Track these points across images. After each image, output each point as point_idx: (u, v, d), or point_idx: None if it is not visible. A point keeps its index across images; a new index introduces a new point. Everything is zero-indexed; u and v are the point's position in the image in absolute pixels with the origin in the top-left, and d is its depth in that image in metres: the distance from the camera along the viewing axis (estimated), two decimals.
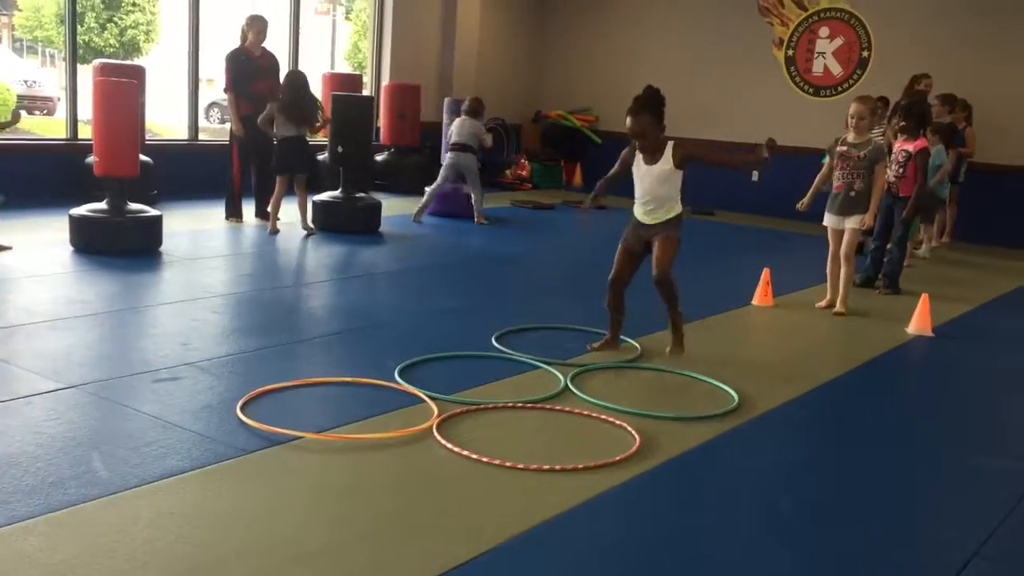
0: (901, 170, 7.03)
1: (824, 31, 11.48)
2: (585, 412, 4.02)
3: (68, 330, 4.77)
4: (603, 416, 3.98)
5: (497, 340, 4.96)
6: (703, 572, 2.82)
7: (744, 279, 6.79)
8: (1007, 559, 3.07)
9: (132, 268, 6.25)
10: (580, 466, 3.40)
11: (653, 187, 4.67)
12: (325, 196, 8.37)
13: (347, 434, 3.58)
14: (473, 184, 9.19)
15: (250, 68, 8.19)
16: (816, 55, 11.55)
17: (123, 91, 6.73)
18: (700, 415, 4.10)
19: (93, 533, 2.71)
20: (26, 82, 14.45)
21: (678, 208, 4.74)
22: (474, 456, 3.41)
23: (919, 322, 5.96)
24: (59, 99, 10.95)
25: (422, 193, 9.75)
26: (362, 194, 8.49)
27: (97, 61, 8.92)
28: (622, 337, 5.15)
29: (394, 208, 9.46)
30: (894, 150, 7.17)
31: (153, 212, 6.92)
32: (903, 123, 7.13)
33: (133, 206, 6.81)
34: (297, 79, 8.03)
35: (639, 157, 4.69)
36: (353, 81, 10.59)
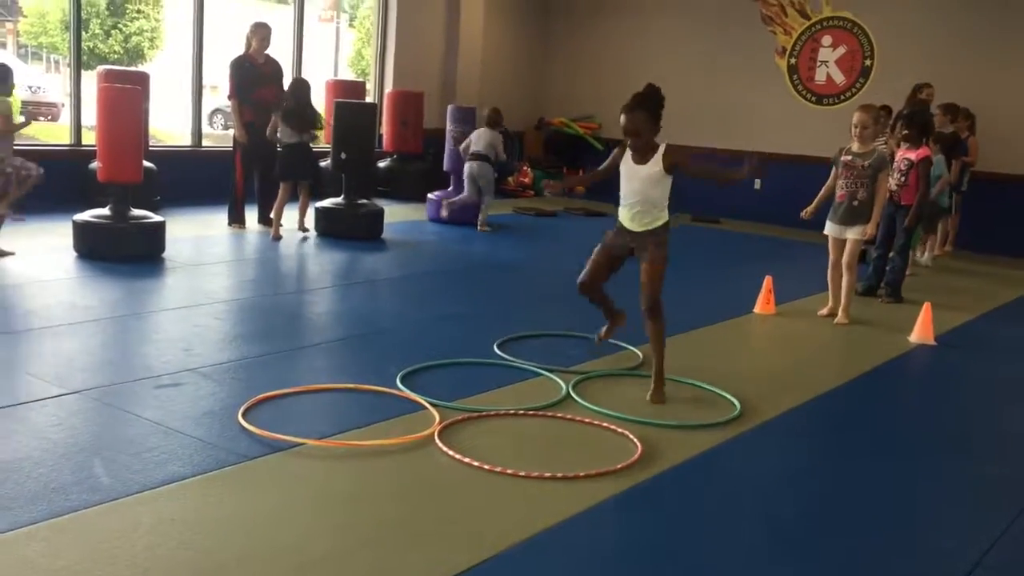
0: (903, 179, 7.03)
1: (827, 40, 11.49)
2: (587, 420, 4.02)
3: (71, 336, 4.78)
4: (605, 424, 3.98)
5: (499, 347, 4.97)
6: None
7: (746, 287, 6.79)
8: (1009, 569, 3.07)
9: (135, 274, 6.26)
10: (582, 474, 3.40)
11: (640, 189, 4.37)
12: (328, 203, 8.38)
13: (349, 441, 3.58)
14: (487, 192, 9.32)
15: (254, 75, 8.22)
16: (819, 64, 11.56)
17: (127, 97, 6.75)
18: (702, 423, 4.10)
19: (95, 539, 2.71)
20: (30, 88, 14.48)
21: (664, 217, 4.41)
22: (476, 463, 3.41)
23: (921, 331, 5.96)
24: (63, 105, 10.97)
25: (424, 200, 9.81)
26: (365, 201, 8.51)
27: (101, 67, 8.93)
28: (622, 344, 5.15)
29: (397, 215, 9.47)
30: (896, 159, 7.18)
31: (156, 218, 6.94)
32: (905, 132, 7.15)
33: (136, 212, 6.82)
34: (300, 87, 8.10)
35: (629, 156, 4.42)
36: (356, 88, 10.60)
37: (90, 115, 7.83)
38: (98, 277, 6.14)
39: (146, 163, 7.34)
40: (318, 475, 3.30)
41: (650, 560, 2.90)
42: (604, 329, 4.89)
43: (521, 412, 4.06)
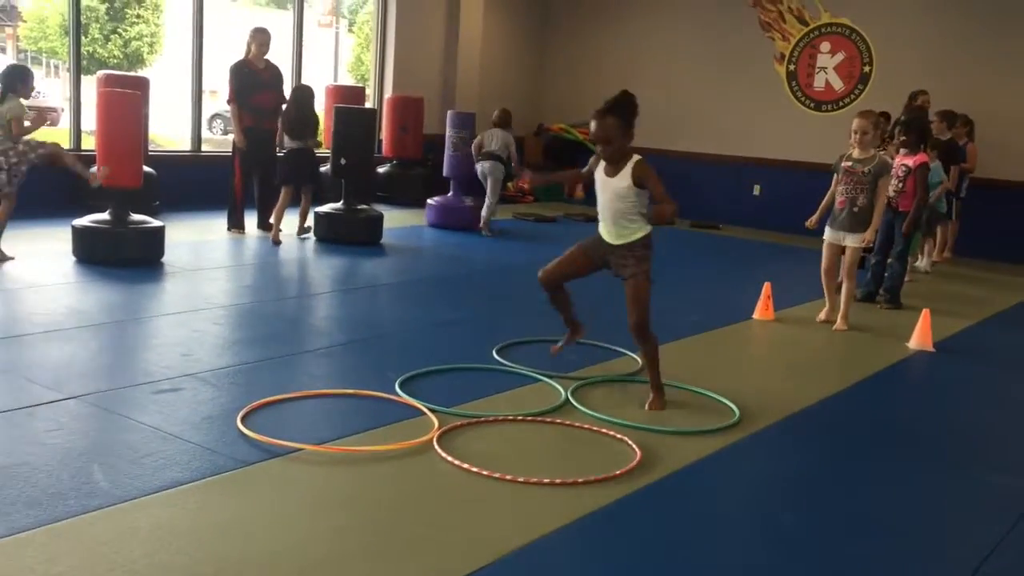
0: (900, 185, 7.04)
1: (825, 46, 11.51)
2: (586, 426, 4.02)
3: (69, 340, 4.78)
4: (604, 430, 3.97)
5: (498, 353, 4.97)
6: None
7: (745, 293, 6.79)
8: (1008, 575, 3.07)
9: (134, 279, 6.25)
10: (580, 480, 3.40)
11: (611, 202, 4.21)
12: (327, 208, 8.39)
13: (348, 446, 3.58)
14: (493, 192, 9.37)
15: (253, 80, 8.23)
16: (817, 70, 11.58)
17: (127, 102, 6.76)
18: (701, 429, 4.09)
19: (93, 545, 2.70)
20: None
21: (643, 231, 4.20)
22: (474, 469, 3.40)
23: (920, 337, 5.96)
24: (63, 110, 10.97)
25: (424, 205, 9.83)
26: (364, 206, 8.52)
27: (101, 72, 8.94)
28: (621, 350, 5.14)
29: (396, 220, 9.48)
30: (894, 165, 7.19)
31: (155, 223, 6.94)
32: (903, 138, 7.17)
33: (135, 217, 6.82)
34: (301, 94, 8.16)
35: (602, 167, 4.26)
36: (356, 93, 10.61)
37: (90, 120, 7.83)
38: (97, 282, 6.14)
39: (145, 168, 7.35)
40: (317, 481, 3.30)
41: (650, 566, 2.89)
42: (562, 340, 4.68)
43: (520, 418, 4.05)
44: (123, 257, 6.57)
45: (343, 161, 8.31)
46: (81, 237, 6.63)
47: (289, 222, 8.25)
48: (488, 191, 9.39)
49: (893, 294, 7.14)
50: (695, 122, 12.20)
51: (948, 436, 4.45)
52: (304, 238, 8.31)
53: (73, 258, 6.63)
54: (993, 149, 9.89)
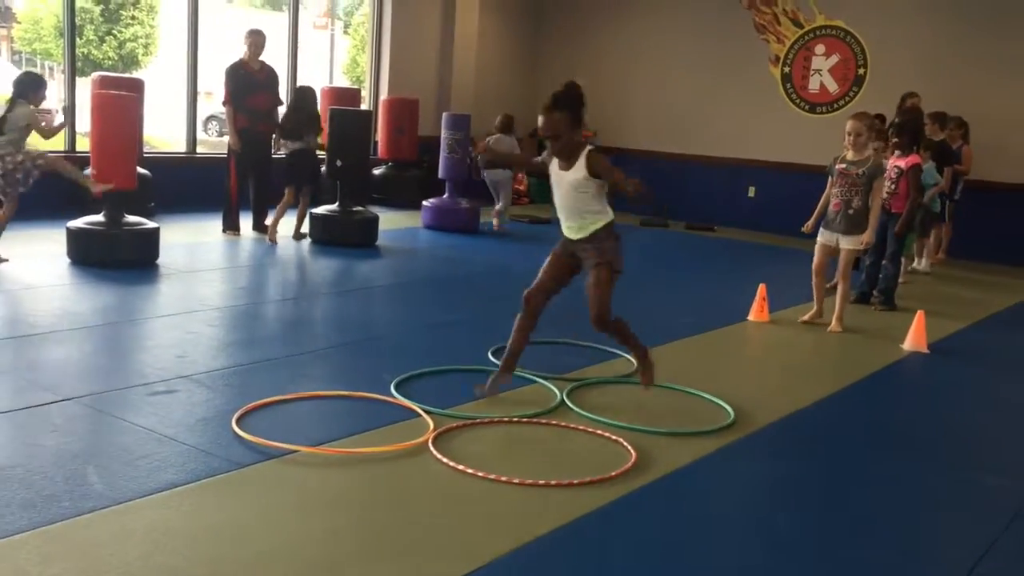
0: (893, 186, 7.06)
1: (820, 48, 11.53)
2: (581, 427, 4.02)
3: (64, 342, 4.77)
4: (599, 431, 3.98)
5: (493, 354, 4.96)
6: None
7: (740, 294, 6.80)
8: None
9: (129, 280, 6.24)
10: (576, 481, 3.40)
11: (568, 196, 4.12)
12: (323, 210, 8.38)
13: (343, 448, 3.58)
14: (505, 196, 9.90)
15: (248, 82, 8.23)
16: (812, 72, 11.60)
17: (122, 104, 6.75)
18: (696, 430, 4.10)
19: (87, 547, 2.70)
20: None
21: (604, 219, 4.12)
22: (469, 471, 3.41)
23: (914, 339, 5.97)
24: (58, 111, 10.95)
25: (419, 207, 9.89)
26: (360, 208, 8.52)
27: (96, 74, 8.93)
28: (617, 351, 5.14)
29: (391, 222, 9.48)
30: (888, 166, 7.21)
31: (150, 225, 6.93)
32: (896, 139, 7.19)
33: (130, 218, 6.82)
34: (304, 94, 8.30)
35: (556, 163, 4.15)
36: (351, 95, 10.61)
37: (84, 121, 7.82)
38: (92, 283, 6.13)
39: (140, 170, 7.34)
40: (312, 482, 3.30)
41: (646, 567, 2.89)
42: (487, 382, 4.32)
43: (515, 419, 4.06)
44: (118, 259, 6.56)
45: (339, 163, 8.32)
46: (76, 239, 6.62)
47: (286, 223, 8.28)
48: (500, 197, 9.85)
49: (887, 295, 7.16)
50: (690, 124, 12.21)
51: (942, 437, 4.46)
52: (301, 238, 8.32)
53: (68, 260, 6.62)
54: (987, 151, 9.91)
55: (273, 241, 7.98)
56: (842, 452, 4.11)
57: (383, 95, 11.73)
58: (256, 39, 8.34)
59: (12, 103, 6.49)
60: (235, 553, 2.75)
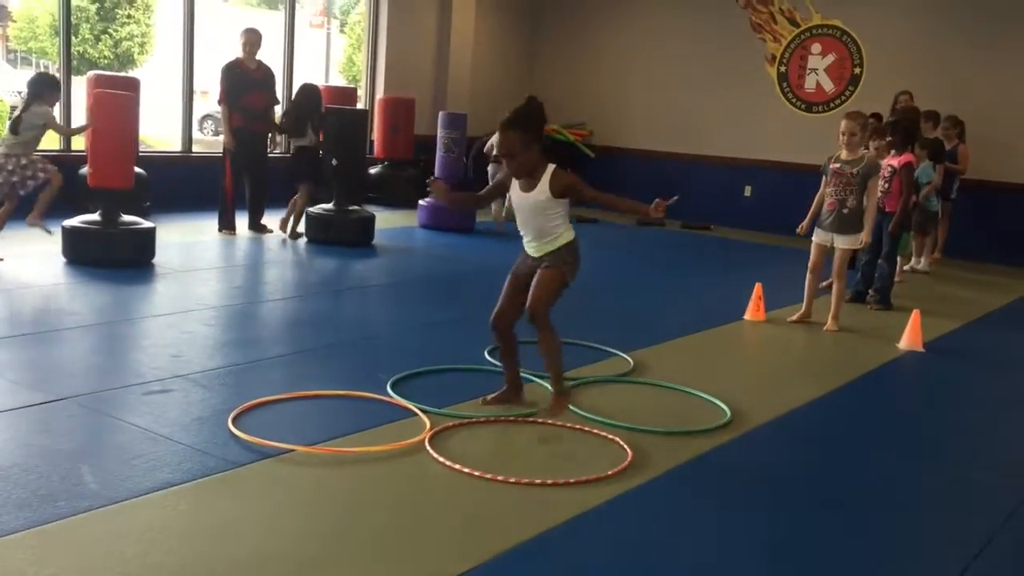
0: (887, 185, 7.07)
1: (816, 47, 11.55)
2: (577, 426, 4.02)
3: (59, 342, 4.76)
4: (595, 430, 3.98)
5: (489, 354, 4.96)
6: None
7: (736, 293, 6.81)
8: (996, 574, 3.08)
9: (125, 280, 6.23)
10: (572, 480, 3.40)
11: (530, 218, 3.96)
12: (319, 208, 8.38)
13: (339, 447, 3.57)
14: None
15: (244, 80, 8.22)
16: (808, 71, 11.61)
17: (117, 103, 6.74)
18: (693, 429, 4.10)
19: (83, 547, 2.70)
20: (20, 93, 14.44)
21: (566, 237, 3.98)
22: (466, 470, 3.41)
23: (910, 338, 5.98)
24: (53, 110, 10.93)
25: (415, 206, 9.87)
26: (355, 207, 8.51)
27: (91, 73, 8.91)
28: (613, 351, 5.15)
29: (387, 221, 9.48)
30: (882, 165, 7.21)
31: (146, 224, 6.92)
32: (889, 138, 7.20)
33: (126, 218, 6.80)
34: (307, 92, 8.44)
35: (516, 182, 3.98)
36: (347, 94, 10.60)
37: (80, 120, 7.81)
38: (87, 283, 6.12)
39: (136, 169, 7.33)
40: (308, 482, 3.29)
41: (642, 567, 2.90)
42: (494, 395, 4.25)
43: (511, 419, 4.05)
44: (113, 258, 6.55)
45: (334, 162, 8.31)
46: (71, 238, 6.61)
47: (274, 222, 8.35)
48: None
49: (883, 295, 7.17)
50: (686, 123, 12.22)
51: (938, 436, 4.47)
52: (297, 237, 8.33)
53: (63, 259, 6.60)
54: (984, 150, 9.93)
55: (294, 238, 8.24)
56: (838, 451, 4.12)
57: (379, 94, 11.72)
58: (252, 38, 8.33)
59: (28, 103, 6.49)
60: (231, 552, 2.74)
